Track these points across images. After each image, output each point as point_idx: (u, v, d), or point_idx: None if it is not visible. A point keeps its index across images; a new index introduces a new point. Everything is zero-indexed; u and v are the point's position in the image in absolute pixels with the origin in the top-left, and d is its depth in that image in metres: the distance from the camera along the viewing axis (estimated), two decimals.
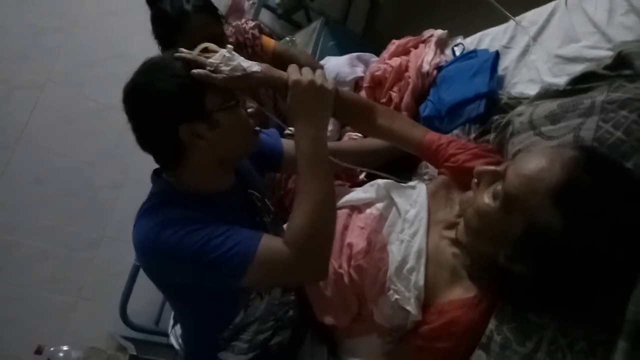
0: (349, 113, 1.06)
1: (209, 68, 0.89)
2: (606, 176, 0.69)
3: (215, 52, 0.93)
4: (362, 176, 1.37)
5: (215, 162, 0.95)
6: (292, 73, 0.93)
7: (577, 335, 0.69)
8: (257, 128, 1.01)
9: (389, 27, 3.08)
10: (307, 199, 0.86)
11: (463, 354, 0.82)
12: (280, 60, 1.58)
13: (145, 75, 0.92)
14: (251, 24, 1.67)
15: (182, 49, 0.92)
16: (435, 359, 0.85)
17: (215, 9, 1.45)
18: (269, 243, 0.85)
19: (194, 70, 0.88)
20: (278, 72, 0.95)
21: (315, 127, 0.90)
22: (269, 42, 1.68)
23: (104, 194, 2.63)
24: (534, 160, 0.73)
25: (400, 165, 1.26)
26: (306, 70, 0.93)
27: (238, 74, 0.91)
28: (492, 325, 0.80)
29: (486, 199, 0.78)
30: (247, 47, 1.61)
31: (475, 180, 0.83)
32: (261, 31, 1.68)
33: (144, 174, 1.04)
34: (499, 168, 0.80)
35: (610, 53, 0.99)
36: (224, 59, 0.91)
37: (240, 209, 1.02)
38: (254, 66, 0.93)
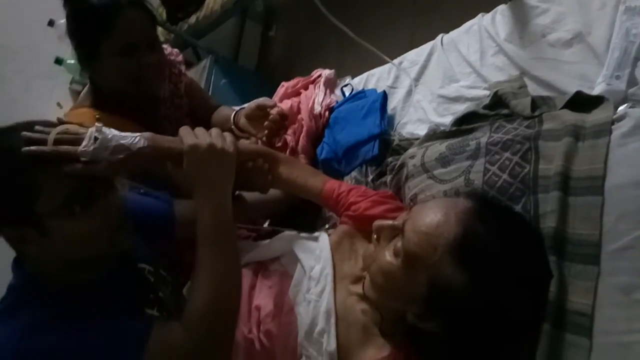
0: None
1: (83, 158, 0.72)
2: (501, 226, 0.69)
3: (77, 134, 0.74)
4: (266, 224, 1.31)
5: (62, 261, 0.78)
6: (186, 136, 0.82)
7: None
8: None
9: (283, 60, 3.07)
10: (209, 276, 0.77)
11: None
12: (192, 95, 1.43)
13: None
14: (179, 57, 1.43)
15: (32, 136, 0.70)
16: None
17: (151, 8, 1.21)
18: (162, 333, 0.74)
19: (66, 168, 0.70)
20: (167, 140, 0.83)
21: (219, 194, 0.82)
22: (186, 77, 1.47)
23: None
24: (430, 215, 0.71)
25: (306, 207, 1.20)
26: (201, 132, 0.84)
27: (121, 156, 0.76)
28: None
29: (387, 256, 0.76)
30: (170, 82, 1.37)
31: (375, 235, 0.81)
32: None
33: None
34: (397, 222, 0.78)
35: (487, 92, 1.04)
36: (98, 142, 0.74)
37: (128, 291, 0.88)
38: (137, 141, 0.78)
